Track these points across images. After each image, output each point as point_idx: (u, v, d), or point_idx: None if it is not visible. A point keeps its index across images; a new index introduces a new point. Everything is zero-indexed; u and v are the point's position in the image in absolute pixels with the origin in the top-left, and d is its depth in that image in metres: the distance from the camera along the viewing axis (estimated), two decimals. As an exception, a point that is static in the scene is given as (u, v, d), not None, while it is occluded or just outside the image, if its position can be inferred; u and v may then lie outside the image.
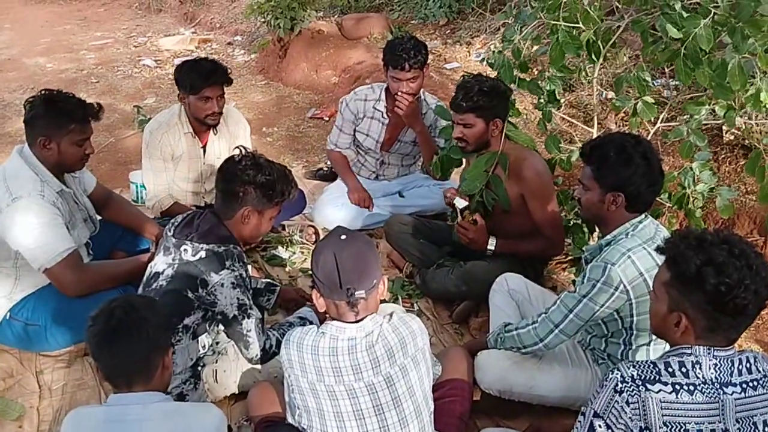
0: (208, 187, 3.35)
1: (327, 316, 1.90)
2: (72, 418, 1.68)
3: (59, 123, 2.50)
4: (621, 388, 1.51)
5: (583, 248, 2.42)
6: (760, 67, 2.31)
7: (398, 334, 1.83)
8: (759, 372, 1.54)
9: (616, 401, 1.51)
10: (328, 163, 4.41)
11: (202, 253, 2.20)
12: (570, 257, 3.30)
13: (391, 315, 1.88)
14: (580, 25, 2.57)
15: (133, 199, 3.87)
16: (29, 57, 7.75)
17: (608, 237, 2.13)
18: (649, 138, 2.78)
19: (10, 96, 6.32)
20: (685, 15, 2.26)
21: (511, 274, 2.67)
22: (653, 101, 2.76)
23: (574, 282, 2.96)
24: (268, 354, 2.32)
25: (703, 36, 2.22)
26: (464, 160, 3.11)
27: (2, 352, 2.69)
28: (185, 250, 2.22)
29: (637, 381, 1.50)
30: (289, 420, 1.98)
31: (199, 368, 2.33)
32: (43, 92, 2.57)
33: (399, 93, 3.29)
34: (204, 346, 2.31)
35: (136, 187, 3.89)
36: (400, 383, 1.83)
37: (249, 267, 2.47)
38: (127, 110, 5.80)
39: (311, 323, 2.49)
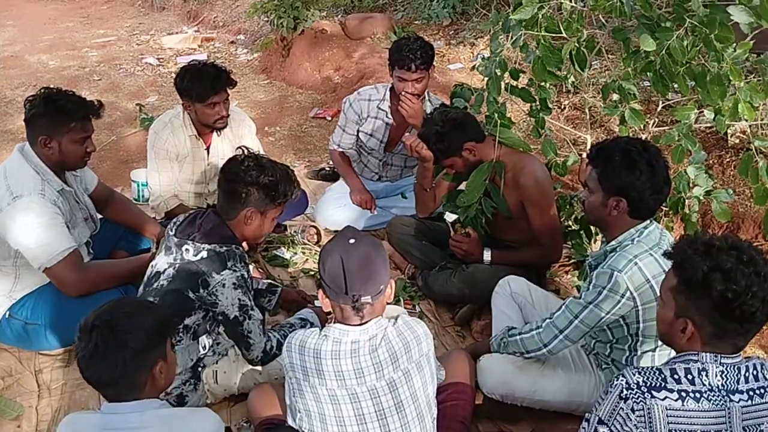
0: (212, 189, 3.33)
1: (329, 317, 1.89)
2: (67, 424, 1.66)
3: (60, 121, 2.48)
4: (626, 395, 1.49)
5: (588, 254, 2.40)
6: (732, 79, 2.30)
7: (403, 339, 1.82)
8: (766, 379, 1.53)
9: (621, 408, 1.49)
10: (331, 162, 4.39)
11: (204, 253, 2.19)
12: (573, 261, 3.28)
13: (396, 319, 1.86)
14: (563, 34, 2.56)
15: (134, 198, 3.86)
16: (32, 54, 7.74)
17: (613, 243, 2.11)
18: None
19: (12, 93, 6.31)
20: (661, 25, 2.25)
21: (514, 277, 2.65)
22: (641, 107, 2.76)
23: (578, 287, 2.95)
24: (269, 355, 2.30)
25: (677, 48, 2.20)
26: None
27: (1, 350, 2.68)
28: (187, 249, 2.20)
29: (642, 388, 1.49)
30: (290, 423, 1.96)
31: (200, 369, 2.32)
32: (43, 90, 2.55)
33: (404, 93, 3.28)
34: (204, 347, 2.30)
35: (138, 185, 3.87)
36: (403, 388, 1.81)
37: (251, 267, 2.46)
38: (129, 108, 5.79)
39: (312, 324, 2.47)
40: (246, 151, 2.32)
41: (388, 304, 1.88)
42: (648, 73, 2.47)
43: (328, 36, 6.61)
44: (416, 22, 6.95)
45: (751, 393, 1.50)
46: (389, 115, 3.50)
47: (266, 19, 6.66)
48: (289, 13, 6.29)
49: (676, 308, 1.54)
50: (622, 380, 1.51)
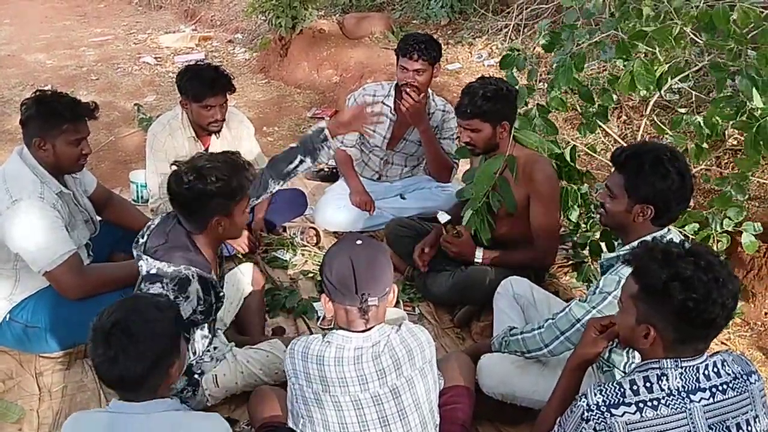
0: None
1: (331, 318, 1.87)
2: (72, 423, 1.67)
3: (52, 123, 2.48)
4: (587, 416, 1.54)
5: (602, 256, 2.38)
6: None
7: (406, 346, 1.82)
8: (728, 375, 1.55)
9: (583, 428, 1.54)
10: (329, 163, 4.39)
11: (154, 270, 2.15)
12: (571, 262, 3.29)
13: (399, 325, 1.86)
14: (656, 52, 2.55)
15: (133, 199, 3.85)
16: (29, 53, 7.71)
17: (627, 248, 2.08)
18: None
19: (9, 93, 6.29)
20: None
21: (517, 278, 2.65)
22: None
23: (588, 287, 2.92)
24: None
25: None
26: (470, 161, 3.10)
27: (2, 353, 2.68)
28: (141, 265, 2.20)
29: (602, 408, 1.52)
30: (291, 427, 1.97)
31: (197, 376, 2.31)
32: (35, 93, 2.55)
33: (405, 89, 3.30)
34: (195, 353, 2.28)
35: (137, 186, 3.86)
36: (407, 395, 1.82)
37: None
38: (127, 108, 5.77)
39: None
40: (179, 166, 2.18)
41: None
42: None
43: (326, 35, 6.60)
44: (414, 22, 6.94)
45: (713, 390, 1.53)
46: (393, 111, 3.51)
47: (264, 18, 6.65)
48: (287, 13, 6.28)
49: (638, 314, 1.57)
50: (583, 401, 1.55)
